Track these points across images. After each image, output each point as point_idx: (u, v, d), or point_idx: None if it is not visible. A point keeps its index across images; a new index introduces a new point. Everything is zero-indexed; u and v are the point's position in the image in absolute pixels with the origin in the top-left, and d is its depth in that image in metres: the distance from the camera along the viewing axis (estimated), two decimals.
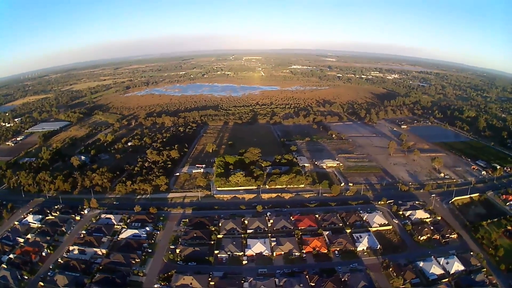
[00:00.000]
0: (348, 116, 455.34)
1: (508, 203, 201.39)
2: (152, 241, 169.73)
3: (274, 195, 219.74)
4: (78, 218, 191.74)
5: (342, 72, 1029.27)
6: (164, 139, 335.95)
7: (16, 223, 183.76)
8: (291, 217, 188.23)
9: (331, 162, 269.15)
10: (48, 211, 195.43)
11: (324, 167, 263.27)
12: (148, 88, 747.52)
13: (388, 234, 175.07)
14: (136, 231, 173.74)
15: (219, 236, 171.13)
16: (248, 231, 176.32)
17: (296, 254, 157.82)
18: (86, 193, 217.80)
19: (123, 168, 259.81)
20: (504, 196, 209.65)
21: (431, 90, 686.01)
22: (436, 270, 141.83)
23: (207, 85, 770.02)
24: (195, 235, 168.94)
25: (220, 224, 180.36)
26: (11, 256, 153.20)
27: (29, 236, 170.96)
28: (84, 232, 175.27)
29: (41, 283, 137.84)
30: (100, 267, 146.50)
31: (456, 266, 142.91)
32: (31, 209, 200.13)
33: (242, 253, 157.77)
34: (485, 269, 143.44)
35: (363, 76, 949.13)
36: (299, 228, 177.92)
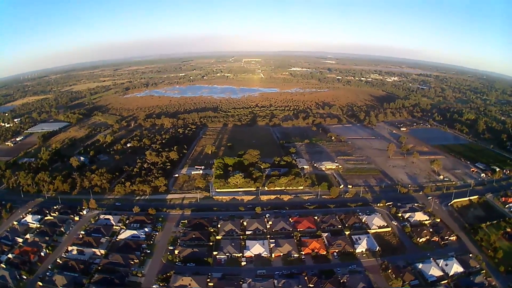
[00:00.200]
0: (348, 119, 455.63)
1: (507, 206, 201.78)
2: (151, 242, 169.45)
3: (273, 196, 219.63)
4: (77, 218, 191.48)
5: (342, 75, 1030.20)
6: (163, 141, 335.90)
7: (15, 223, 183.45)
8: (290, 219, 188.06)
9: (330, 164, 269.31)
10: (47, 212, 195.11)
11: (323, 169, 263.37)
12: (148, 89, 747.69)
13: (387, 236, 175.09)
14: (135, 232, 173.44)
15: (218, 237, 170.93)
16: (247, 232, 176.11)
17: (295, 255, 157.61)
18: (85, 194, 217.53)
19: (122, 169, 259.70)
20: (503, 198, 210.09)
21: (431, 93, 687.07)
22: (435, 271, 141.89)
23: (207, 86, 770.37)
24: (194, 236, 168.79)
25: (219, 226, 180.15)
26: (10, 256, 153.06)
27: (28, 236, 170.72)
28: (83, 232, 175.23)
29: (40, 283, 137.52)
30: (99, 268, 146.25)
31: (455, 268, 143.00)
32: (30, 209, 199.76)
33: (240, 254, 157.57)
34: (484, 271, 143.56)
35: (362, 78, 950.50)
36: (298, 229, 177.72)
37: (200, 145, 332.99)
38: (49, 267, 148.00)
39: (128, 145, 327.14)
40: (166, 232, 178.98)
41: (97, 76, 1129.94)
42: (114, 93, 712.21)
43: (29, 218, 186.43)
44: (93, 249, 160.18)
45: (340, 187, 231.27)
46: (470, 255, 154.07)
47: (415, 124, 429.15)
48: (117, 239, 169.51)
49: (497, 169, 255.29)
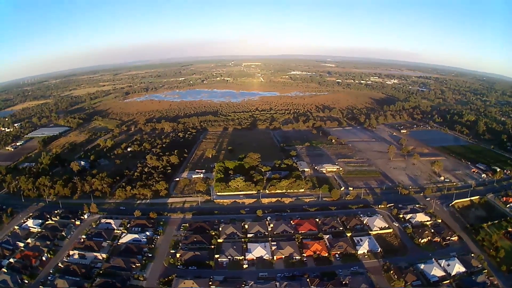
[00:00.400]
0: (348, 121, 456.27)
1: (508, 205, 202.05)
2: (152, 245, 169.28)
3: (274, 199, 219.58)
4: (78, 222, 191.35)
5: (342, 78, 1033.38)
6: (164, 145, 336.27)
7: (16, 227, 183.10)
8: (292, 221, 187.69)
9: (331, 167, 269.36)
10: (48, 216, 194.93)
11: (324, 171, 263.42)
12: (148, 94, 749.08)
13: (388, 237, 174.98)
14: (136, 235, 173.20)
15: (219, 240, 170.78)
16: (249, 235, 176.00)
17: (297, 257, 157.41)
18: (86, 198, 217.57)
19: (123, 173, 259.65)
20: (504, 198, 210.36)
21: (431, 95, 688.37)
22: (437, 272, 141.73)
23: (207, 91, 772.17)
24: (195, 239, 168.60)
25: (220, 229, 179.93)
26: (11, 260, 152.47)
27: (29, 240, 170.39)
28: (84, 236, 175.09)
29: (42, 287, 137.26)
30: (101, 272, 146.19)
31: (457, 268, 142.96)
32: (31, 214, 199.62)
33: (242, 257, 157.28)
34: (486, 271, 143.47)
35: (362, 81, 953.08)
36: (300, 232, 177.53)
37: (200, 149, 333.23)
38: (51, 271, 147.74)
39: (129, 149, 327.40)
40: (167, 235, 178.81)
41: (97, 80, 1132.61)
42: (114, 97, 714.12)
43: (30, 223, 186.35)
44: (95, 253, 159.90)
45: (341, 189, 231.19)
46: (472, 255, 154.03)
47: (415, 126, 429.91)
48: (118, 243, 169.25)
49: (498, 170, 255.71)
